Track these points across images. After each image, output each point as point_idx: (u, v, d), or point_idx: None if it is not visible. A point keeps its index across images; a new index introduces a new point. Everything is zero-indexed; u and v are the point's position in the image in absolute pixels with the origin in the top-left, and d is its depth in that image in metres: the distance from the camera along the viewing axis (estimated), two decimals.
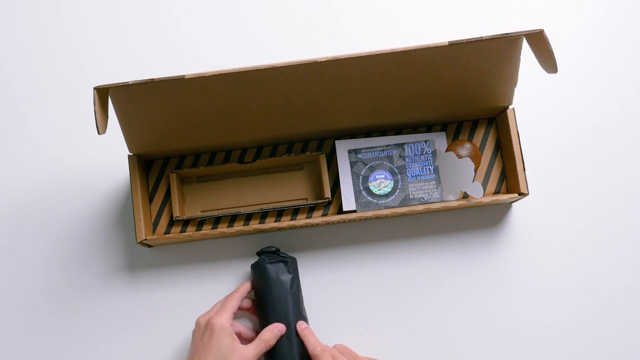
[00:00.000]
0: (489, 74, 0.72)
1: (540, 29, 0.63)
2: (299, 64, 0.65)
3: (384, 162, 0.76)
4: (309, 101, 0.72)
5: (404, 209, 0.76)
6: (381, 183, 0.76)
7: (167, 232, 0.80)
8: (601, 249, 0.81)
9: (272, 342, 0.70)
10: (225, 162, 0.81)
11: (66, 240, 0.82)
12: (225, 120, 0.73)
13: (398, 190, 0.77)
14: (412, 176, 0.77)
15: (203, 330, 0.69)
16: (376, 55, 0.65)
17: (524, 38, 0.68)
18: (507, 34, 0.66)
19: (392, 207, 0.76)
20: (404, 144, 0.76)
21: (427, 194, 0.78)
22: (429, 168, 0.78)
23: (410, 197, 0.77)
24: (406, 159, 0.77)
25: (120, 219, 0.83)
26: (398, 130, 0.82)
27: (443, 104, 0.76)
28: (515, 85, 0.74)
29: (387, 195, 0.77)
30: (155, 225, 0.80)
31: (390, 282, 0.81)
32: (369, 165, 0.76)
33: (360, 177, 0.76)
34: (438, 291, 0.81)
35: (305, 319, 0.74)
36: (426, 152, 0.77)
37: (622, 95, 0.85)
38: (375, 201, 0.76)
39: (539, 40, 0.64)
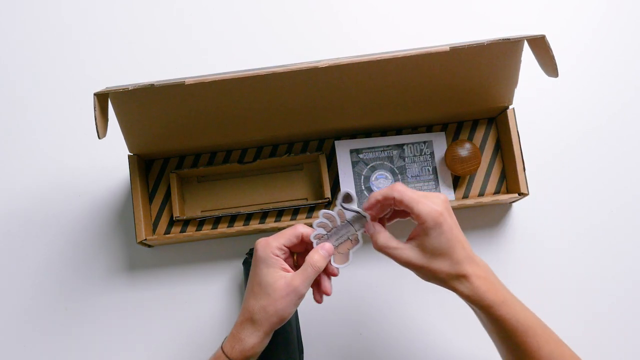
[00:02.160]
0: (490, 75, 0.72)
1: (542, 35, 0.63)
2: (299, 69, 0.64)
3: (385, 163, 0.76)
4: (309, 102, 0.72)
5: None
6: (382, 183, 0.76)
7: (167, 232, 0.80)
8: (601, 247, 0.81)
9: (321, 263, 0.61)
10: (225, 162, 0.81)
11: (66, 241, 0.82)
12: (225, 121, 0.73)
13: None
14: (412, 176, 0.77)
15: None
16: (377, 61, 0.65)
17: (525, 41, 0.67)
18: (509, 38, 0.65)
19: None
20: (403, 144, 0.77)
21: None
22: (428, 169, 0.78)
23: None
24: (406, 159, 0.77)
25: (120, 219, 0.82)
26: (398, 130, 0.82)
27: (443, 105, 0.76)
28: (515, 85, 0.74)
29: None
30: (155, 225, 0.80)
31: (389, 281, 0.81)
32: (370, 165, 0.76)
33: (362, 177, 0.76)
34: (438, 290, 0.80)
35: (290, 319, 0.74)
36: (425, 153, 0.78)
37: (622, 95, 0.85)
38: None
39: (540, 45, 0.64)
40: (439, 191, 0.77)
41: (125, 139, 0.73)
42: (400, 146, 0.78)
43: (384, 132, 0.82)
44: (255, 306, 0.59)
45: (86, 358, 0.80)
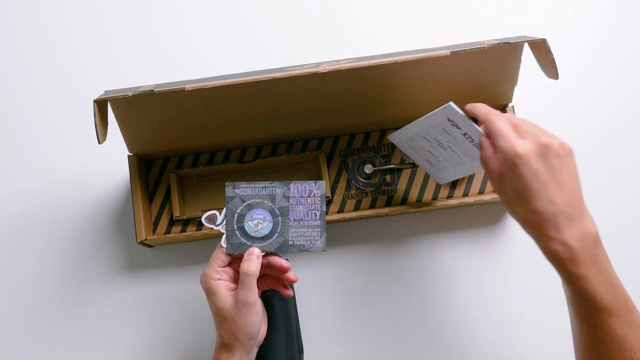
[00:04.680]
0: (489, 76, 0.72)
1: (542, 38, 0.63)
2: (299, 75, 0.64)
3: (265, 201, 0.67)
4: (309, 103, 0.72)
5: (404, 207, 0.76)
6: (258, 224, 0.67)
7: (168, 232, 0.80)
8: None
9: (252, 269, 0.63)
10: (225, 161, 0.81)
11: (66, 241, 0.82)
12: (225, 122, 0.73)
13: (277, 233, 0.67)
14: (294, 220, 0.68)
15: None
16: (377, 65, 0.64)
17: (526, 43, 0.67)
18: (509, 42, 0.65)
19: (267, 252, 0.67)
20: (290, 182, 0.67)
21: (308, 242, 0.67)
22: (315, 213, 0.68)
23: (290, 242, 0.67)
24: (290, 199, 0.68)
25: (120, 219, 0.82)
26: (397, 128, 0.82)
27: (442, 104, 0.76)
28: (515, 84, 0.74)
29: (263, 239, 0.67)
30: (155, 225, 0.80)
31: (389, 281, 0.81)
32: (247, 202, 0.67)
33: (236, 214, 0.67)
34: (438, 289, 0.81)
35: (292, 319, 0.74)
36: (314, 195, 0.68)
37: (622, 94, 0.85)
38: (249, 243, 0.66)
39: (541, 48, 0.64)
40: (323, 240, 0.67)
41: (124, 140, 0.73)
42: (286, 184, 0.68)
43: (383, 130, 0.82)
44: (221, 332, 0.64)
45: (86, 358, 0.80)
